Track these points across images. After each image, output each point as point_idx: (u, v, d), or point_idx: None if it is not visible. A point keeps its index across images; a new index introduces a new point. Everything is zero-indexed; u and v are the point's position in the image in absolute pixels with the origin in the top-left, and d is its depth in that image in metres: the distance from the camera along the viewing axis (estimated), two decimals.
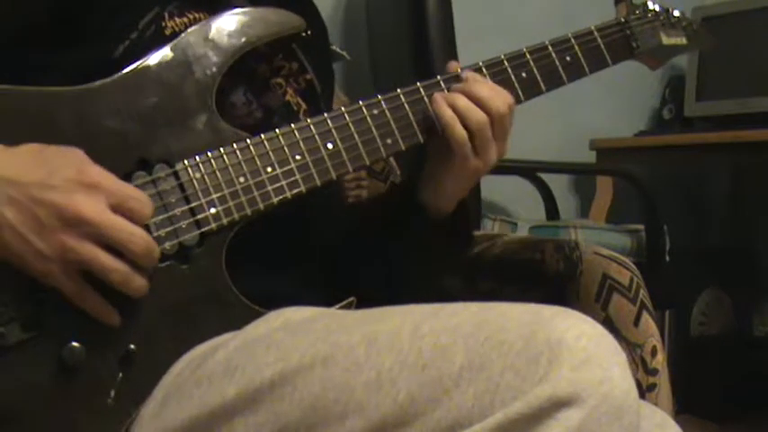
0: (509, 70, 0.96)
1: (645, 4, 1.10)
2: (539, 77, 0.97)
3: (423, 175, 0.97)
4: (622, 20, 1.06)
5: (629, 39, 1.06)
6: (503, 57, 0.96)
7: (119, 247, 0.74)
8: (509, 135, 0.93)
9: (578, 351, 0.64)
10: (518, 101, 0.96)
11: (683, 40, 1.13)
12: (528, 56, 0.97)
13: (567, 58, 0.99)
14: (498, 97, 0.91)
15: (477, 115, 0.89)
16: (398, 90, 0.91)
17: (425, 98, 0.91)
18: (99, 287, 0.75)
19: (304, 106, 0.97)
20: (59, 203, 0.72)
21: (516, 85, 0.96)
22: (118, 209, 0.74)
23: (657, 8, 1.10)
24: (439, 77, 0.93)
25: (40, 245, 0.72)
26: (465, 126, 0.90)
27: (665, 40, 1.10)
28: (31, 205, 0.72)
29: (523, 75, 0.97)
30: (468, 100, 0.90)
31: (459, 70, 0.94)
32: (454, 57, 1.79)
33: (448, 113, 0.90)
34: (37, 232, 0.72)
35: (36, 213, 0.72)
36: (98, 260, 0.74)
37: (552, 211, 2.35)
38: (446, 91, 0.92)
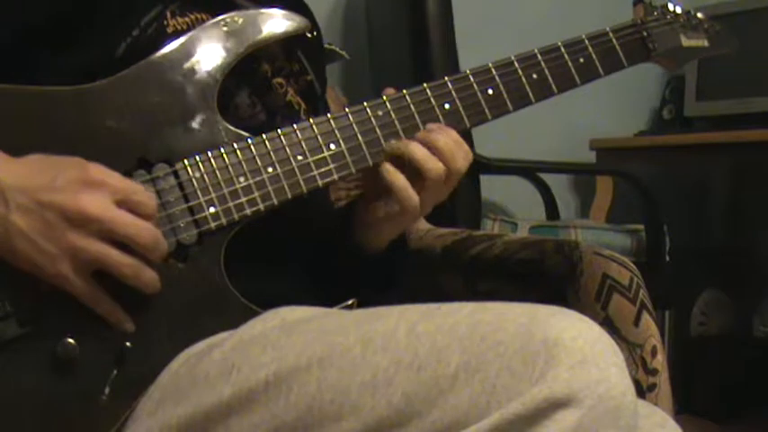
0: (519, 71, 0.94)
1: (664, 6, 1.08)
2: (550, 79, 0.96)
3: (357, 211, 0.95)
4: (639, 21, 1.04)
5: (646, 40, 1.03)
6: (513, 58, 0.95)
7: (127, 241, 0.75)
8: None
9: (575, 351, 0.64)
10: (528, 103, 0.95)
11: (705, 42, 1.11)
12: (539, 57, 0.96)
13: (581, 60, 0.97)
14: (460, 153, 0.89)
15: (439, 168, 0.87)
16: (404, 91, 0.90)
17: (432, 99, 0.90)
18: (110, 293, 0.76)
19: (304, 106, 0.97)
20: (65, 204, 0.73)
21: (527, 86, 0.94)
22: (123, 204, 0.75)
23: (678, 10, 1.09)
24: (446, 78, 0.92)
25: (51, 248, 0.73)
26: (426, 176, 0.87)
27: (685, 41, 1.08)
28: (38, 209, 0.73)
29: (534, 76, 0.95)
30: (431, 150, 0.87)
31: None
32: (454, 57, 1.79)
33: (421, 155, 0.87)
34: (46, 236, 0.73)
35: (44, 217, 0.72)
36: (109, 256, 0.74)
37: (552, 211, 2.35)
38: (453, 93, 0.91)
